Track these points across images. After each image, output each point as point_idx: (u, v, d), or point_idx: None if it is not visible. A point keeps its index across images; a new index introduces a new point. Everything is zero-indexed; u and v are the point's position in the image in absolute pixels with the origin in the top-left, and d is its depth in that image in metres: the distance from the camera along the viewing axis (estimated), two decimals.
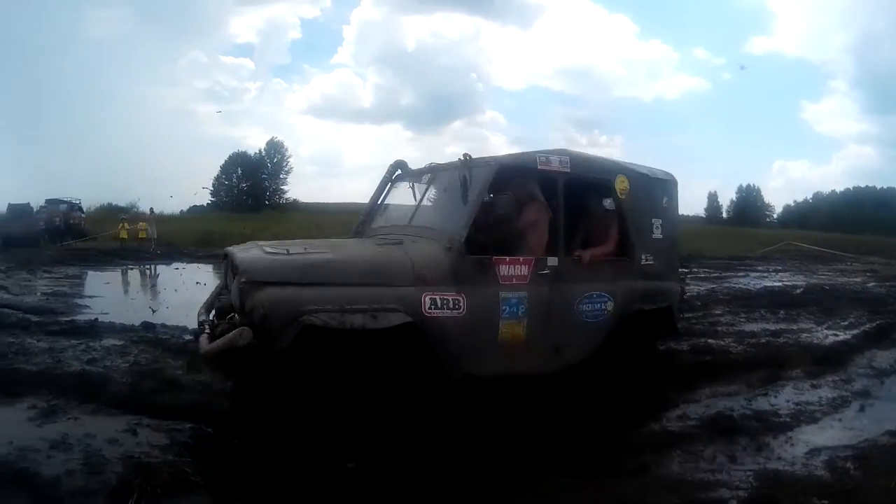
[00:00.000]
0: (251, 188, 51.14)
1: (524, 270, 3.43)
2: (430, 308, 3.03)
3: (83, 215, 24.83)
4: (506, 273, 3.35)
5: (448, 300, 3.09)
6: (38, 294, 9.47)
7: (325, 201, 50.42)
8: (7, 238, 19.64)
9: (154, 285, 12.48)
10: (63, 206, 23.05)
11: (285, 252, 3.00)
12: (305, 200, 52.85)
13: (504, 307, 3.29)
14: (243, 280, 2.79)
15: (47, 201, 23.21)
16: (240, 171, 51.82)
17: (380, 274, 3.03)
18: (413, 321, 2.92)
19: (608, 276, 3.88)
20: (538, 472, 2.85)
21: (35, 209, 22.51)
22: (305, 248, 3.08)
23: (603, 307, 3.77)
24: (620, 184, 4.03)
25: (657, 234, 4.29)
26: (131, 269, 15.86)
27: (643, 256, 4.12)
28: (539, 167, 3.62)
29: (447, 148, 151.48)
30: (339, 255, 3.15)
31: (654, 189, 4.36)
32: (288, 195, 53.19)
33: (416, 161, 4.39)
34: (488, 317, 3.24)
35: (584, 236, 4.09)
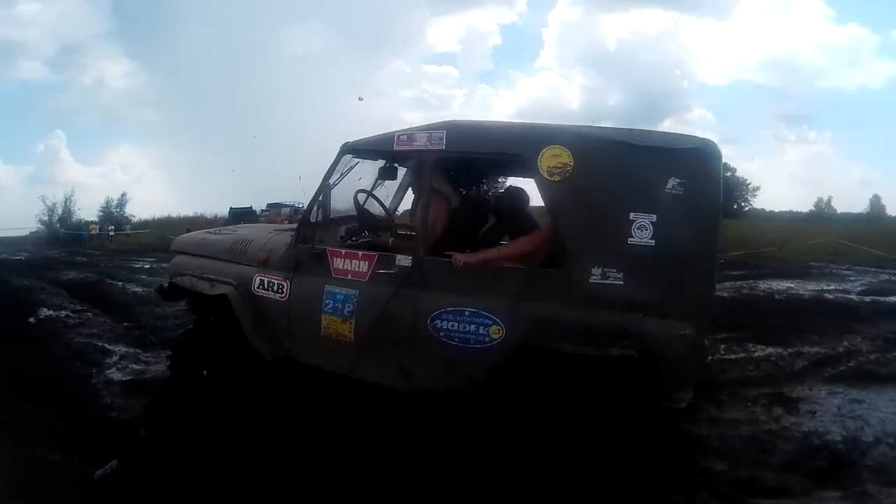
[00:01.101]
0: None
1: (363, 267, 2.99)
2: (258, 287, 3.22)
3: None
4: (341, 267, 3.04)
5: (274, 283, 3.18)
6: None
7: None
8: None
9: None
10: (286, 210, 22.37)
11: (215, 232, 3.89)
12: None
13: (327, 301, 3.01)
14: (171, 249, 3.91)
15: (269, 205, 23.18)
16: None
17: (237, 253, 3.45)
18: (232, 294, 3.20)
19: (506, 292, 2.72)
20: None
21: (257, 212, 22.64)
22: (220, 230, 3.87)
23: (483, 332, 2.70)
24: (552, 159, 2.69)
25: (640, 238, 2.61)
26: None
27: (598, 271, 2.62)
28: (396, 147, 2.96)
29: None
30: (228, 235, 3.71)
31: (641, 165, 2.66)
32: None
33: None
34: (309, 306, 3.06)
35: (510, 235, 3.05)
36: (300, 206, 22.78)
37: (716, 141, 2.76)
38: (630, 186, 2.66)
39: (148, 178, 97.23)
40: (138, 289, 8.92)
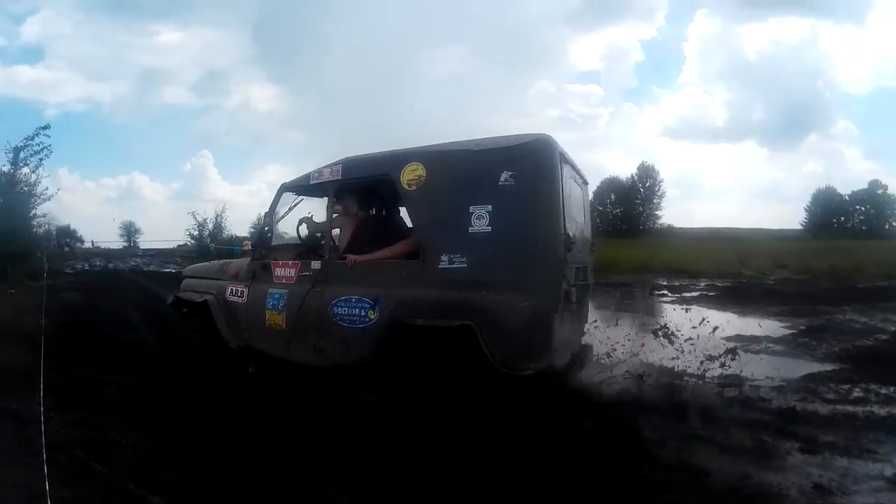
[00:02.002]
0: (624, 213, 51.68)
1: (291, 272, 4.00)
2: (229, 295, 4.35)
3: None
4: (279, 274, 4.07)
5: (237, 290, 4.30)
6: None
7: (698, 226, 48.04)
8: None
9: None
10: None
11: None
12: (680, 226, 50.31)
13: (269, 300, 4.00)
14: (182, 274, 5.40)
15: None
16: (612, 197, 52.77)
17: (223, 272, 4.65)
18: (209, 301, 4.39)
19: (379, 281, 3.47)
20: None
21: None
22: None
23: (363, 314, 3.47)
24: (409, 174, 3.43)
25: (479, 225, 3.16)
26: None
27: (446, 258, 3.22)
28: (312, 182, 3.98)
29: (805, 165, 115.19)
30: (220, 261, 5.21)
31: (480, 166, 3.21)
32: (662, 220, 52.25)
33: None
34: (258, 306, 4.05)
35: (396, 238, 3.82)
36: None
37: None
38: (469, 185, 3.22)
39: None
40: None
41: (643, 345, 4.83)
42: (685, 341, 4.56)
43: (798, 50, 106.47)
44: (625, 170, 65.70)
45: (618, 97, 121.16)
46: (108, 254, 33.21)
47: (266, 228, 4.37)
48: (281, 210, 4.34)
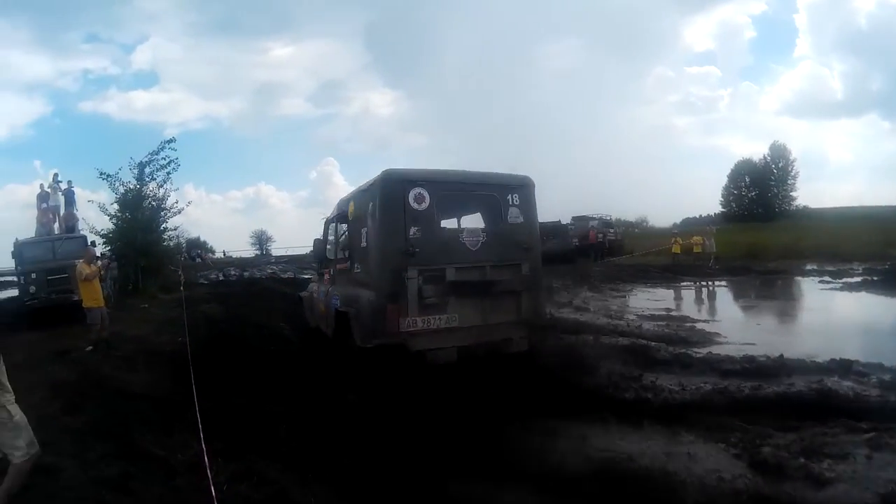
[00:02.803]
0: (759, 196, 48.77)
1: (326, 277, 6.68)
2: (312, 292, 7.52)
3: (617, 231, 23.57)
4: (325, 278, 6.78)
5: (313, 288, 7.46)
6: (633, 316, 9.15)
7: (829, 206, 45.37)
8: (543, 255, 21.79)
9: (755, 306, 11.58)
10: (594, 223, 22.22)
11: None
12: (815, 206, 46.30)
13: (319, 294, 6.82)
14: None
15: (574, 218, 22.68)
16: (747, 180, 49.79)
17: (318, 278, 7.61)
18: (302, 296, 8.20)
19: (339, 282, 5.89)
20: None
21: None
22: None
23: (336, 303, 5.60)
24: (350, 208, 5.55)
25: (363, 242, 5.00)
26: (703, 285, 15.52)
27: (356, 266, 5.31)
28: (328, 217, 6.79)
29: None
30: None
31: (366, 199, 4.92)
32: (797, 202, 48.57)
33: None
34: (317, 298, 6.91)
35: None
36: (608, 217, 23.09)
37: None
38: (363, 213, 5.07)
39: None
40: None
41: None
42: None
43: None
44: (749, 152, 61.11)
45: (735, 76, 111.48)
46: (242, 263, 33.98)
47: (319, 251, 6.77)
48: (329, 236, 6.75)
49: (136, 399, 4.66)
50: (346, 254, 5.63)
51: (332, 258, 6.23)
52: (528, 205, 5.15)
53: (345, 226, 5.78)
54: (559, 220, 22.42)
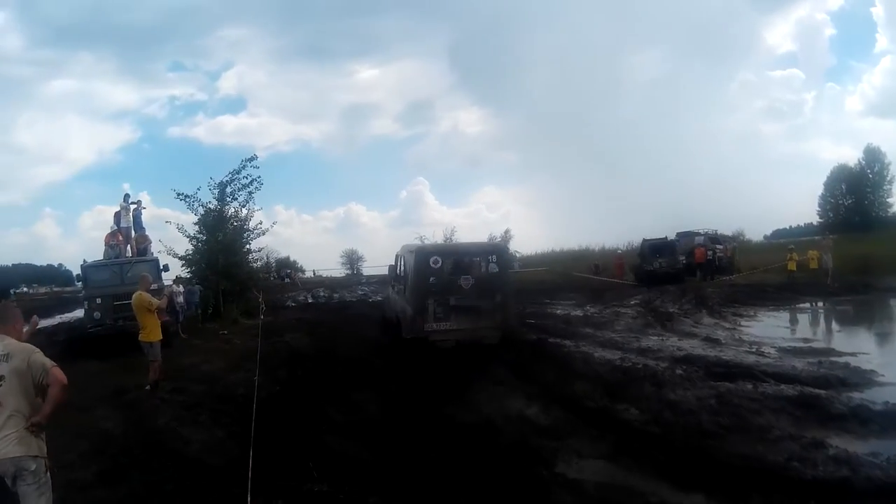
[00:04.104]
0: (855, 204, 45.24)
1: (395, 286, 9.54)
2: (389, 294, 10.24)
3: (726, 246, 22.00)
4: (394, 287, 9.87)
5: (390, 291, 10.00)
6: (771, 349, 7.82)
7: None
8: (652, 275, 18.45)
9: None
10: (701, 238, 20.73)
11: None
12: None
13: (392, 294, 9.60)
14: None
15: (679, 234, 21.23)
16: (843, 187, 46.41)
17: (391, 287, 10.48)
18: (384, 297, 11.77)
19: (395, 296, 9.04)
20: None
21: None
22: None
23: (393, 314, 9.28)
24: (403, 259, 8.85)
25: (408, 281, 8.14)
26: (829, 307, 13.77)
27: (404, 291, 8.30)
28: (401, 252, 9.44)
29: None
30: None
31: (409, 257, 8.24)
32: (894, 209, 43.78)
33: None
34: (392, 297, 9.54)
35: None
36: (714, 232, 21.57)
37: None
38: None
39: (515, 215, 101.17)
40: (604, 352, 7.66)
41: None
42: None
43: None
44: (838, 157, 55.85)
45: (819, 78, 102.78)
46: (332, 283, 33.63)
47: (390, 276, 9.85)
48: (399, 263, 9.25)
49: (189, 466, 4.01)
50: (400, 282, 8.84)
51: (394, 281, 9.53)
52: (502, 261, 8.77)
53: (402, 264, 8.86)
54: (666, 237, 21.10)
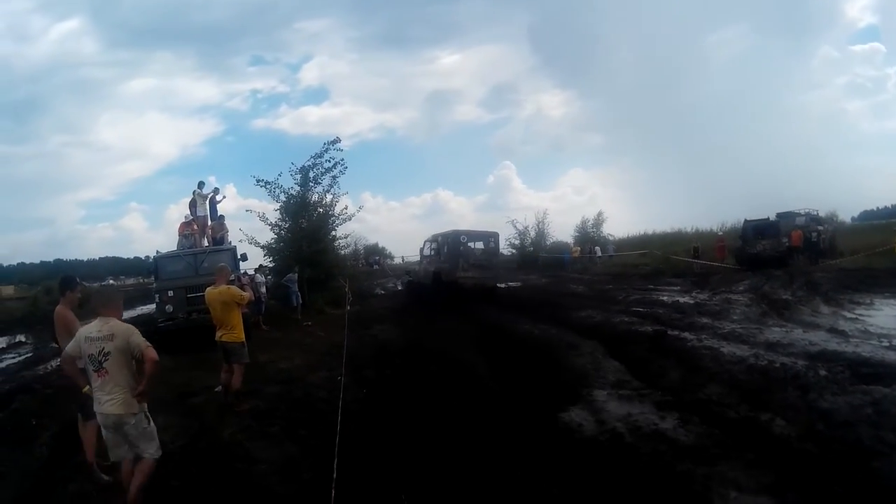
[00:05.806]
0: None
1: (427, 259, 18.65)
2: (420, 265, 19.93)
3: (827, 228, 19.88)
4: (425, 260, 19.06)
5: (420, 264, 19.88)
6: None
7: None
8: (755, 258, 17.49)
9: None
10: (801, 219, 19.01)
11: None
12: None
13: (423, 263, 19.22)
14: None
15: (779, 215, 19.68)
16: None
17: (419, 265, 20.95)
18: (413, 269, 21.92)
19: (428, 264, 17.82)
20: None
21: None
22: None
23: (432, 269, 16.98)
24: (439, 240, 17.11)
25: (445, 250, 16.22)
26: None
27: (441, 258, 16.30)
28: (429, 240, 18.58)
29: None
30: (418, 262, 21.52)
31: (446, 238, 16.40)
32: None
33: None
34: (422, 265, 19.38)
35: None
36: (815, 212, 19.52)
37: None
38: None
39: (602, 197, 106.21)
40: (730, 347, 6.71)
41: None
42: None
43: None
44: None
45: None
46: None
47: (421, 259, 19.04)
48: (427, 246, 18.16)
49: (252, 496, 3.46)
50: (434, 254, 16.52)
51: (423, 256, 18.13)
52: (496, 239, 17.24)
53: (434, 244, 16.84)
54: (768, 217, 19.61)
